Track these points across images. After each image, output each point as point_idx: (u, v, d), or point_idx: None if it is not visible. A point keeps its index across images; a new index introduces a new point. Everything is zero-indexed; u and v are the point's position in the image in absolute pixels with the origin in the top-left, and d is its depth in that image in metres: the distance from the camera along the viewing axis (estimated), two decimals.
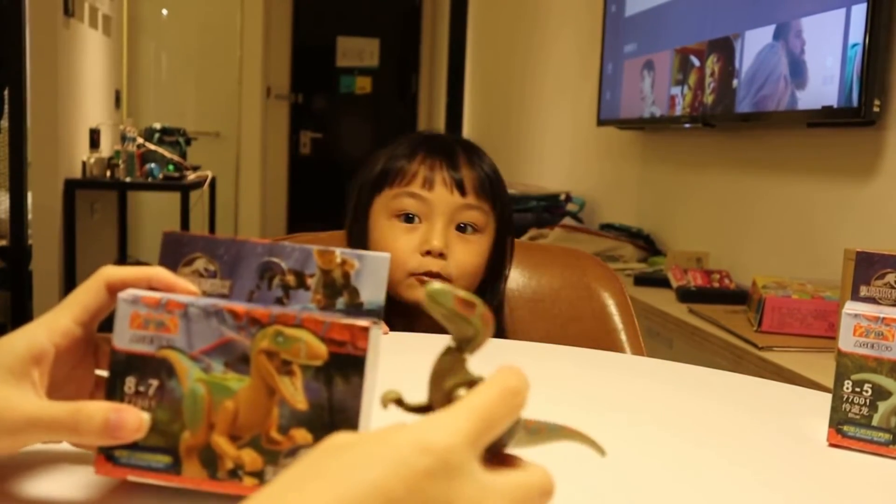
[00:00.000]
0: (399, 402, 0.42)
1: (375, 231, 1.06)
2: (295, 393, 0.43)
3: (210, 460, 0.44)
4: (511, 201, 1.12)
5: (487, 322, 0.39)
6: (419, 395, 0.41)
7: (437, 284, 0.39)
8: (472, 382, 0.40)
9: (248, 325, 0.43)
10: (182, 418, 0.44)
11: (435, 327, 1.06)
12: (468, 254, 1.04)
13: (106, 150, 4.37)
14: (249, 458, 0.44)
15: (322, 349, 0.43)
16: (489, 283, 1.09)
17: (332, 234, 1.17)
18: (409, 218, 1.04)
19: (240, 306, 0.44)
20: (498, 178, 1.08)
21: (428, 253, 1.02)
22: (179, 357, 0.44)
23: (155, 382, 0.44)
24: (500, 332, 1.10)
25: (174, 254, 0.47)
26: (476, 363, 0.40)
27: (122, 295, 0.44)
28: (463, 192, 1.03)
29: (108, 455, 0.44)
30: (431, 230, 1.02)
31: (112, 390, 0.44)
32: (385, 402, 0.42)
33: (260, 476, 0.44)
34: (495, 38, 4.84)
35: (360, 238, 1.08)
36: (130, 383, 0.44)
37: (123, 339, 0.44)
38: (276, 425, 0.44)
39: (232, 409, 0.44)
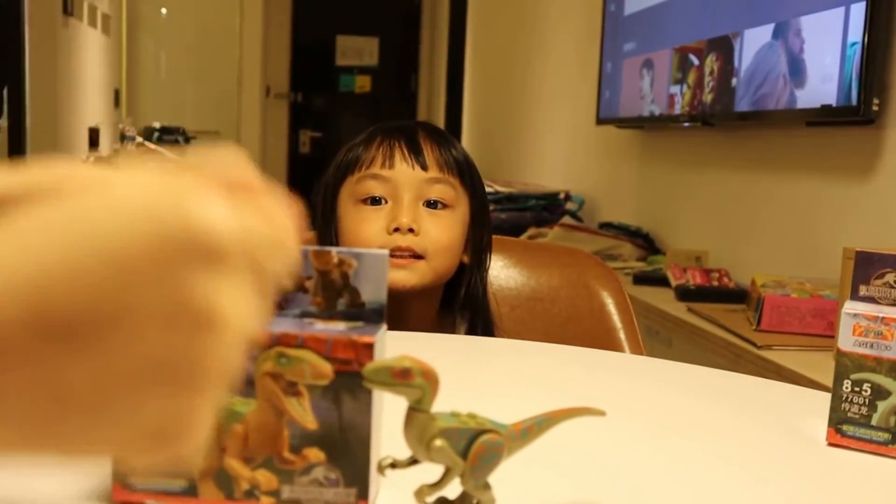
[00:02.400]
0: (393, 465, 0.44)
1: (344, 221, 1.04)
2: (304, 413, 0.43)
3: (225, 482, 0.44)
4: (484, 189, 1.09)
5: (430, 376, 0.40)
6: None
7: (368, 365, 0.40)
8: (444, 431, 0.41)
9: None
10: None
11: (424, 309, 1.05)
12: (440, 228, 1.01)
13: (105, 149, 4.36)
14: (264, 478, 0.44)
15: (327, 368, 0.42)
16: (471, 270, 1.06)
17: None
18: (375, 201, 1.01)
19: None
20: (468, 162, 1.05)
21: (396, 230, 0.99)
22: None
23: None
24: (488, 325, 1.08)
25: None
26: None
27: None
28: (425, 167, 1.01)
29: (122, 482, 0.44)
30: (398, 208, 1.00)
31: None
32: (382, 469, 0.44)
33: (276, 495, 0.44)
34: (495, 37, 4.84)
35: (329, 235, 1.05)
36: None
37: None
38: (288, 446, 0.43)
39: (241, 432, 0.43)
